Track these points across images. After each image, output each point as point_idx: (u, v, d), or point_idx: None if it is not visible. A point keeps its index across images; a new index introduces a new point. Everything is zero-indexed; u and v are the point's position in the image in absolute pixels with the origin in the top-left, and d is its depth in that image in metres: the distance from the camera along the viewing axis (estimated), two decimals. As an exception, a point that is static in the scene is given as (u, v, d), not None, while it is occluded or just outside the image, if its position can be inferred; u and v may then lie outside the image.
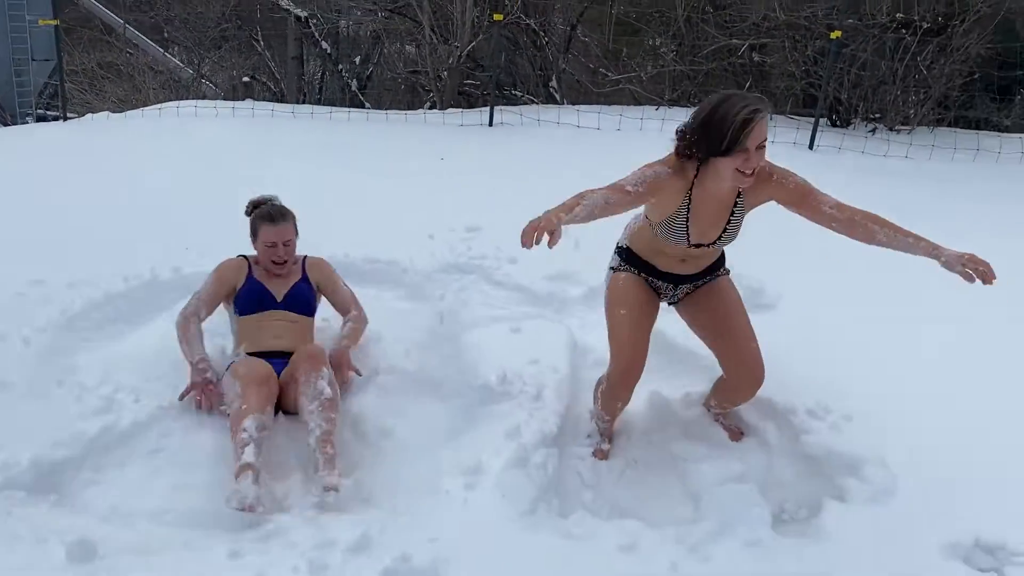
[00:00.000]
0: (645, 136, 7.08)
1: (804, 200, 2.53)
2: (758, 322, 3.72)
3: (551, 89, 10.74)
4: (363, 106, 11.65)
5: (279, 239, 3.22)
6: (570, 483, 2.72)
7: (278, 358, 3.07)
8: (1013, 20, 8.63)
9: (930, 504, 2.52)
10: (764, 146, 2.38)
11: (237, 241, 3.46)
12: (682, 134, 2.46)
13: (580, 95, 10.71)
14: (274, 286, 3.27)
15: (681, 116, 8.20)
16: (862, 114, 8.84)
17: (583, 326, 3.67)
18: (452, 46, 9.62)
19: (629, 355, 2.70)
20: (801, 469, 2.73)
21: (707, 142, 2.38)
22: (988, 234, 4.94)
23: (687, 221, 2.58)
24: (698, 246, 2.65)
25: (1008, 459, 2.72)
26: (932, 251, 2.36)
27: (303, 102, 12.03)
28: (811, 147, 7.44)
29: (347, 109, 8.66)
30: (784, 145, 7.04)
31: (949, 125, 8.93)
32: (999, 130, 8.92)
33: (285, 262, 3.26)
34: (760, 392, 2.97)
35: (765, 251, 4.24)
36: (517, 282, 4.06)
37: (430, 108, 10.09)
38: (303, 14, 12.96)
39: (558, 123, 7.59)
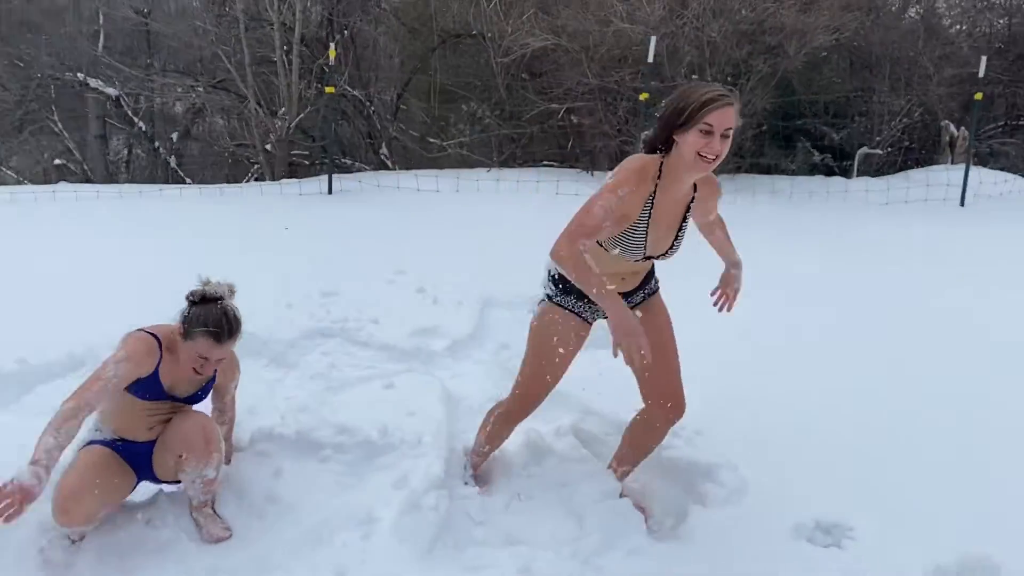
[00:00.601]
0: (482, 195, 7.49)
1: (714, 212, 2.80)
2: (611, 357, 4.07)
3: (382, 156, 11.01)
4: (184, 182, 11.41)
5: (214, 357, 2.74)
6: (462, 522, 2.85)
7: (145, 443, 2.83)
8: (790, 78, 9.86)
9: (775, 497, 2.88)
10: (729, 136, 2.38)
11: (82, 328, 3.32)
12: (656, 124, 2.48)
13: (411, 161, 11.04)
14: (177, 387, 2.83)
15: (512, 176, 8.76)
16: (672, 166, 9.70)
17: (453, 376, 3.86)
18: (280, 118, 9.68)
19: (537, 395, 2.81)
20: (666, 481, 3.02)
21: (671, 119, 2.39)
22: (782, 253, 5.65)
23: (647, 229, 2.52)
24: (647, 259, 2.61)
25: (832, 451, 3.15)
26: (729, 263, 2.91)
27: (111, 182, 11.61)
28: (632, 198, 8.08)
29: (178, 185, 8.49)
30: (609, 197, 7.63)
31: (746, 171, 10.00)
32: (788, 173, 10.10)
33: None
34: (621, 416, 3.27)
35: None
36: (382, 341, 4.18)
37: (255, 180, 10.06)
38: (115, 93, 12.57)
39: (398, 187, 7.83)
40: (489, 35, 9.82)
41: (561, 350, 2.72)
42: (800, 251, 6.13)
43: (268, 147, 10.16)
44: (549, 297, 2.75)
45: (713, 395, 3.50)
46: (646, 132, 2.58)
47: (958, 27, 12.66)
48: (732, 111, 2.36)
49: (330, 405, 3.51)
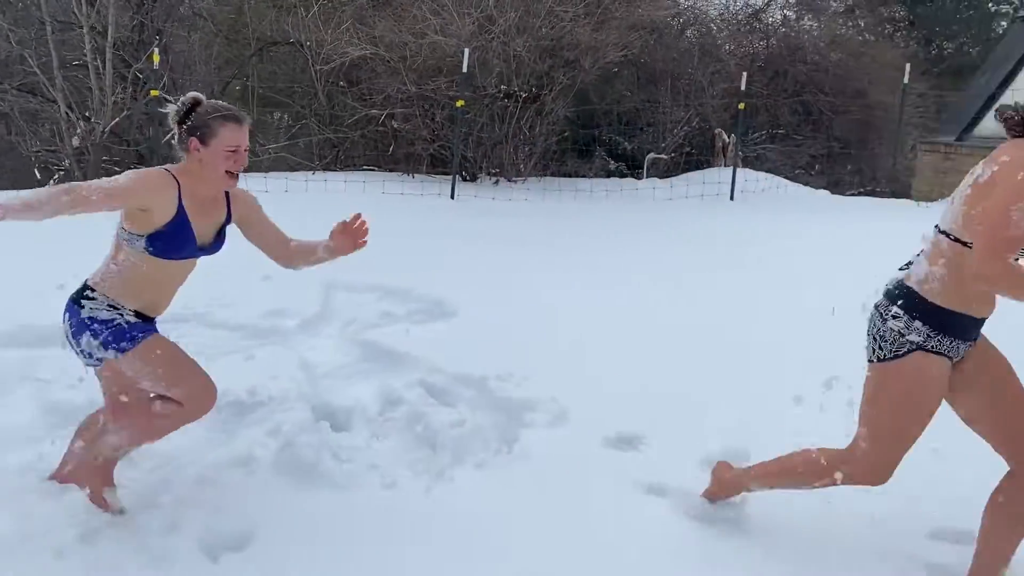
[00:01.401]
0: (311, 195, 7.87)
1: None
2: (448, 327, 4.69)
3: (200, 162, 10.98)
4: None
5: (242, 144, 2.58)
6: (331, 459, 3.31)
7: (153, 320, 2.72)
8: (587, 90, 10.96)
9: (587, 419, 3.57)
10: None
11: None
12: None
13: (231, 166, 11.08)
14: (202, 225, 2.66)
15: (339, 178, 9.11)
16: (485, 169, 10.49)
17: (310, 349, 4.30)
18: (93, 123, 9.48)
19: (897, 459, 2.31)
20: (499, 415, 3.63)
21: None
22: (587, 240, 6.51)
23: None
24: None
25: (628, 383, 3.91)
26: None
27: None
28: (452, 197, 8.75)
29: (-14, 191, 8.12)
30: (430, 197, 8.29)
31: (552, 175, 10.99)
32: (587, 177, 11.22)
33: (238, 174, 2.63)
34: (465, 371, 3.90)
35: (442, 270, 5.25)
36: (236, 322, 4.53)
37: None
38: None
39: (227, 190, 7.99)
40: (308, 43, 10.14)
41: (935, 407, 2.28)
42: (600, 237, 7.06)
43: (76, 150, 9.88)
44: (920, 345, 2.21)
45: (536, 353, 4.21)
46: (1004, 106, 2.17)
47: (728, 47, 14.44)
48: None
49: (196, 377, 3.83)
